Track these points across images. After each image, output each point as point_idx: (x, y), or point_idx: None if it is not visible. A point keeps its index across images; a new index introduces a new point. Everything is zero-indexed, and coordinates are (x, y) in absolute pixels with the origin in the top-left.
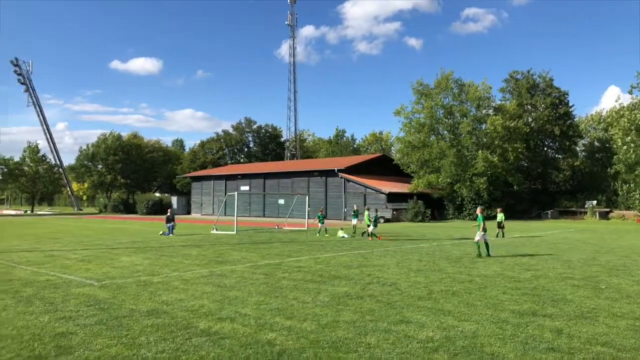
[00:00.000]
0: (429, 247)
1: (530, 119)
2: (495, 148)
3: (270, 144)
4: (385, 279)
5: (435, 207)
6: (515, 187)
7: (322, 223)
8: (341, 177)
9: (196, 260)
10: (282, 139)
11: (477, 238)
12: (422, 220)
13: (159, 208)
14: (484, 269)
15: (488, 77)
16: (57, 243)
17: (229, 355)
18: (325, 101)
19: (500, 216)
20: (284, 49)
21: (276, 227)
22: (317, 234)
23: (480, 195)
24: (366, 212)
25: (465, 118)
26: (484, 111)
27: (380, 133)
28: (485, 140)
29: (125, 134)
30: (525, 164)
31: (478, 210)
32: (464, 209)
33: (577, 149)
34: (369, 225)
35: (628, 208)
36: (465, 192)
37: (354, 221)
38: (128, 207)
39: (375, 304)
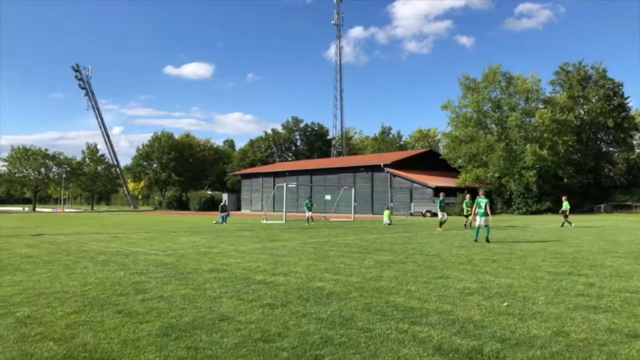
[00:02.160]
0: (470, 232)
1: (582, 112)
2: (544, 141)
3: (316, 142)
4: (428, 251)
5: None
6: (565, 180)
7: (310, 211)
8: (387, 172)
9: (250, 239)
10: (329, 137)
11: (477, 223)
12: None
13: (210, 205)
14: (526, 245)
15: (540, 72)
16: (120, 229)
17: (284, 295)
18: (371, 100)
19: (565, 204)
20: (332, 50)
21: (323, 218)
22: (306, 223)
23: (530, 189)
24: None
25: (513, 111)
26: (532, 104)
27: (427, 130)
28: (534, 133)
29: (177, 135)
30: (577, 158)
31: (481, 192)
32: (513, 202)
33: (634, 142)
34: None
35: None
36: (514, 186)
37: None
38: (181, 204)
39: (417, 266)
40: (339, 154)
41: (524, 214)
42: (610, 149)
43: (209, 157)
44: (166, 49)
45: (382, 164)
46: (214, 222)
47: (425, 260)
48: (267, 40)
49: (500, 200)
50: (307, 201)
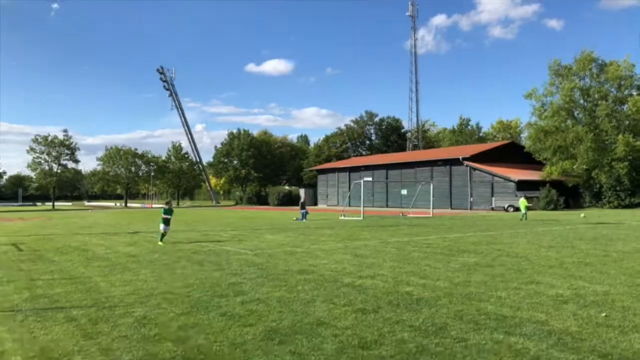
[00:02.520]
0: (562, 230)
1: None
2: (639, 131)
3: (391, 136)
4: (515, 252)
5: (569, 195)
6: None
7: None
8: (466, 166)
9: (331, 238)
10: (404, 130)
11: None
12: (555, 209)
13: (288, 199)
14: (622, 245)
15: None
16: (207, 225)
17: (374, 300)
18: (450, 90)
19: None
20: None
21: (401, 214)
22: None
23: (621, 182)
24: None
25: (604, 100)
26: (625, 91)
27: (509, 121)
28: (626, 122)
29: (255, 132)
30: None
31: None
32: (603, 196)
33: None
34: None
35: None
36: (604, 178)
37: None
38: (261, 199)
39: (505, 270)
40: (415, 147)
41: (616, 207)
42: None
43: (286, 153)
44: (249, 46)
45: (460, 158)
46: (294, 218)
47: (514, 263)
48: (346, 33)
49: (589, 194)
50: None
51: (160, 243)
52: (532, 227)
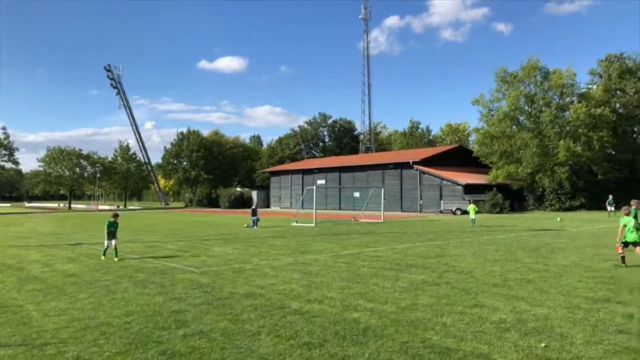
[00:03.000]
0: (506, 238)
1: (618, 105)
2: (579, 137)
3: (344, 138)
4: (461, 267)
5: (514, 198)
6: (600, 176)
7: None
8: (416, 169)
9: (282, 250)
10: (357, 132)
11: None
12: (501, 212)
13: (240, 202)
14: (562, 258)
15: (582, 58)
16: (154, 235)
17: (321, 330)
18: (402, 92)
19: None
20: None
21: (353, 219)
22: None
23: (562, 185)
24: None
25: (548, 107)
26: (567, 99)
27: (457, 124)
28: (568, 129)
29: (206, 132)
30: (612, 152)
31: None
32: (545, 199)
33: None
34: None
35: None
36: (547, 182)
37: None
38: (211, 202)
39: (451, 290)
40: (368, 149)
41: (557, 210)
42: None
43: (238, 154)
44: (201, 43)
45: (411, 161)
46: (245, 225)
47: (459, 281)
48: (301, 32)
49: (533, 197)
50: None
51: (103, 257)
52: (478, 236)
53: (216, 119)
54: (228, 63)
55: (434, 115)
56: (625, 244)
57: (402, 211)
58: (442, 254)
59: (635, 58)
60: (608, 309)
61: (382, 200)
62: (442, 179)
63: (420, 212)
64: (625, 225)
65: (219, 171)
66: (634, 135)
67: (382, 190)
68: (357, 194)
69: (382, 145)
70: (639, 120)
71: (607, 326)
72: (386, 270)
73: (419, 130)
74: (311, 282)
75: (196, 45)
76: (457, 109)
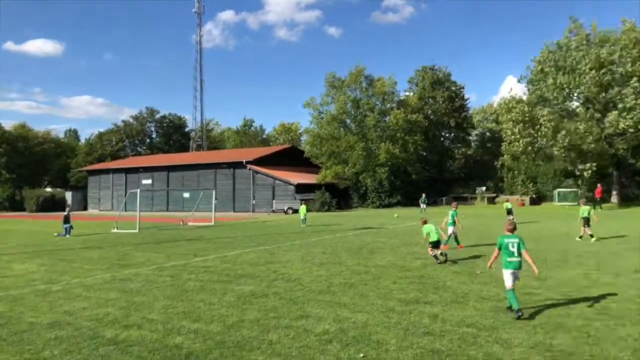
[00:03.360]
0: (332, 239)
1: (430, 112)
2: (397, 140)
3: (174, 135)
4: (290, 274)
5: (341, 196)
6: (414, 176)
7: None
8: (249, 169)
9: (98, 264)
10: (188, 129)
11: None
12: (329, 210)
13: (50, 204)
14: (380, 259)
15: (402, 66)
16: None
17: None
18: (235, 89)
19: (585, 209)
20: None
21: (181, 222)
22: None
23: (382, 185)
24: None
25: (371, 112)
26: (388, 105)
27: (290, 124)
28: (388, 132)
29: (10, 124)
30: (424, 154)
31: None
32: (368, 197)
33: (470, 139)
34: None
35: (512, 193)
36: (369, 181)
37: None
38: (15, 204)
39: (279, 301)
40: (199, 147)
41: (378, 207)
42: (452, 145)
43: (49, 150)
44: (7, 22)
45: (244, 161)
46: (55, 234)
47: (287, 290)
48: (129, 18)
49: (357, 195)
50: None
51: None
52: (307, 237)
53: (24, 109)
54: (40, 46)
55: (268, 114)
56: (434, 245)
57: (234, 211)
58: (272, 259)
59: (444, 70)
60: (418, 310)
61: (214, 202)
62: (275, 178)
63: (253, 212)
64: (428, 234)
65: (25, 170)
66: (442, 139)
67: (214, 192)
68: (187, 195)
69: (214, 143)
70: (447, 125)
71: (417, 329)
72: (214, 282)
73: (253, 128)
74: (130, 303)
75: (1, 25)
76: (291, 108)
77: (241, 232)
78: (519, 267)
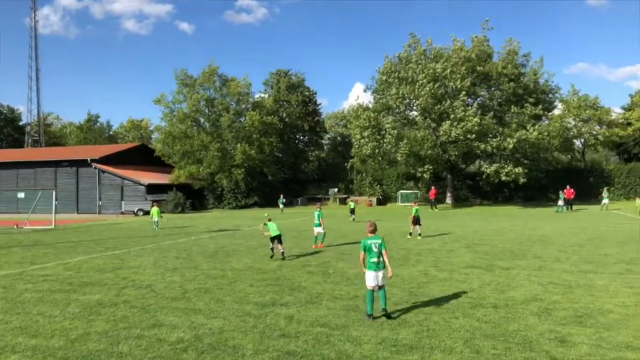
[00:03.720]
0: (187, 243)
1: (285, 115)
2: (253, 141)
3: (5, 129)
4: (141, 281)
5: (196, 197)
6: (269, 177)
7: None
8: (95, 168)
9: None
10: (22, 123)
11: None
12: (183, 212)
13: None
14: (236, 262)
15: (257, 68)
16: None
17: None
18: (79, 81)
19: (415, 209)
20: (37, 17)
21: (15, 226)
22: None
23: (239, 185)
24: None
25: (226, 112)
26: (243, 106)
27: (140, 120)
28: (243, 133)
29: None
30: (280, 155)
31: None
32: (224, 198)
33: (323, 142)
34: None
35: (360, 194)
36: (225, 182)
37: None
38: None
39: (129, 309)
40: (36, 143)
41: (234, 208)
42: (306, 148)
43: None
44: None
45: (89, 159)
46: None
47: (138, 297)
48: None
49: (213, 196)
50: None
51: None
52: (160, 240)
53: None
54: None
55: (115, 109)
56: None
57: (78, 213)
58: (122, 265)
59: (299, 75)
60: (274, 312)
61: (54, 203)
62: (124, 178)
63: (99, 213)
64: (269, 229)
65: None
66: (297, 142)
67: (54, 192)
68: (21, 195)
69: (54, 138)
70: (301, 129)
71: (273, 332)
72: (55, 292)
73: (98, 124)
74: None
75: None
76: (140, 104)
77: (86, 236)
78: (383, 267)
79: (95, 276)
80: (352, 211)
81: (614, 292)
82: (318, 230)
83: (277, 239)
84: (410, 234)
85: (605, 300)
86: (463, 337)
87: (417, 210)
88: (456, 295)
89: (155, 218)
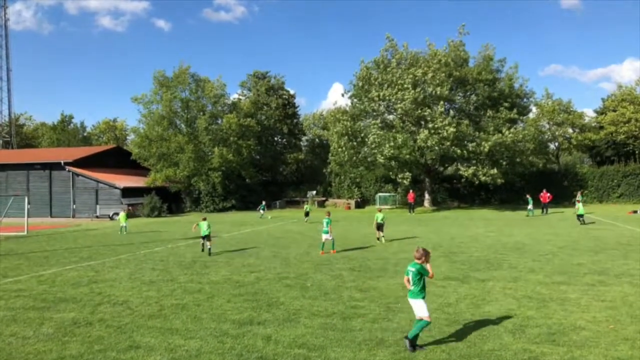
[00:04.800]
0: (163, 252)
1: (263, 117)
2: (231, 144)
3: None
4: (117, 296)
5: (172, 200)
6: (247, 180)
7: None
8: (69, 171)
9: None
10: None
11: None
12: (159, 215)
13: None
14: (214, 274)
15: (235, 68)
16: None
17: None
18: (52, 80)
19: (379, 216)
20: (9, 13)
21: None
22: None
23: (216, 188)
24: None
25: (202, 113)
26: (219, 108)
27: (115, 121)
28: (220, 136)
29: None
30: (258, 158)
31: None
32: (201, 201)
33: (301, 144)
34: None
35: (339, 197)
36: (202, 185)
37: None
38: None
39: (105, 329)
40: (7, 144)
41: (212, 211)
42: (285, 150)
43: None
44: None
45: (62, 162)
46: None
47: (114, 315)
48: None
49: (190, 199)
50: None
51: None
52: (135, 249)
53: None
54: None
55: (89, 109)
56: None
57: (52, 217)
58: (97, 278)
59: (278, 78)
60: (252, 332)
61: (27, 208)
62: (99, 181)
63: (73, 217)
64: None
65: None
66: (275, 145)
67: (27, 197)
68: None
69: (26, 140)
70: (279, 131)
71: (251, 354)
72: (29, 310)
73: (72, 125)
74: None
75: None
76: (115, 104)
77: (60, 244)
78: (413, 296)
79: (70, 291)
80: (307, 214)
81: (586, 307)
82: (326, 237)
83: (206, 237)
84: (378, 239)
85: (577, 315)
86: (439, 357)
87: (382, 218)
88: (433, 311)
89: (123, 223)
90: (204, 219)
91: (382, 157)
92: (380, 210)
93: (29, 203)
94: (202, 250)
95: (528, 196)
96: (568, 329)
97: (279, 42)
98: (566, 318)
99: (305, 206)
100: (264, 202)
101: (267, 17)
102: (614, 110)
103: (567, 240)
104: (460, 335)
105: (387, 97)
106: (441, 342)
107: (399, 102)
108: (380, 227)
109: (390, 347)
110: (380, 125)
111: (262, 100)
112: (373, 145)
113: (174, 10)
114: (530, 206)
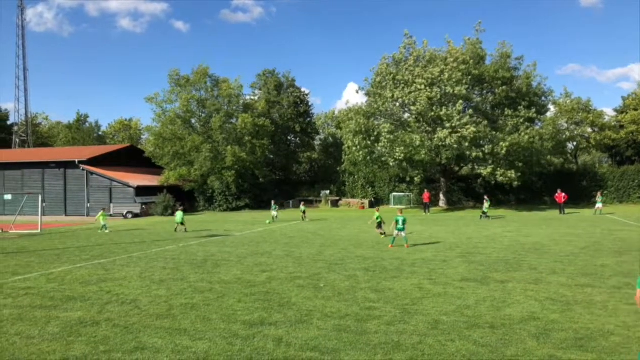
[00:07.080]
0: (175, 250)
1: (277, 116)
2: (245, 143)
3: None
4: (126, 295)
5: (186, 199)
6: (261, 179)
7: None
8: (83, 170)
9: None
10: (10, 123)
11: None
12: (172, 214)
13: None
14: (225, 273)
15: (252, 67)
16: None
17: None
18: (70, 80)
19: (376, 215)
20: (30, 15)
21: (0, 230)
22: None
23: (230, 188)
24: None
25: (217, 113)
26: (234, 107)
27: (130, 120)
28: (235, 135)
29: None
30: (272, 157)
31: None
32: (215, 200)
33: (315, 143)
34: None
35: (353, 197)
36: (217, 184)
37: None
38: None
39: (112, 329)
40: (24, 144)
41: (225, 210)
42: (298, 149)
43: None
44: None
45: (77, 161)
46: None
47: (122, 315)
48: None
49: (203, 198)
50: None
51: None
52: (147, 248)
53: None
54: None
55: (105, 108)
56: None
57: (66, 215)
58: (107, 277)
59: (288, 76)
60: (262, 333)
61: (40, 206)
62: (113, 180)
63: (87, 216)
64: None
65: None
66: (288, 144)
67: (40, 196)
68: (8, 197)
69: (42, 139)
70: (292, 130)
71: (261, 356)
72: (36, 309)
73: (87, 124)
74: None
75: None
76: (130, 104)
77: (72, 242)
78: None
79: (79, 289)
80: (304, 212)
81: (614, 310)
82: (400, 233)
83: (181, 224)
84: (383, 234)
85: (605, 319)
86: None
87: (378, 217)
88: (452, 314)
89: (102, 222)
90: (183, 209)
91: (393, 160)
92: (377, 211)
93: (43, 201)
94: (175, 230)
95: (486, 197)
96: (596, 334)
97: (295, 43)
98: (593, 322)
99: (301, 206)
100: (273, 202)
101: (285, 18)
102: (635, 109)
103: (588, 241)
104: (481, 339)
105: (402, 98)
106: (461, 347)
107: (411, 104)
108: (379, 225)
109: (407, 351)
110: (395, 124)
111: (274, 98)
112: (384, 150)
113: (192, 11)
114: (485, 207)
